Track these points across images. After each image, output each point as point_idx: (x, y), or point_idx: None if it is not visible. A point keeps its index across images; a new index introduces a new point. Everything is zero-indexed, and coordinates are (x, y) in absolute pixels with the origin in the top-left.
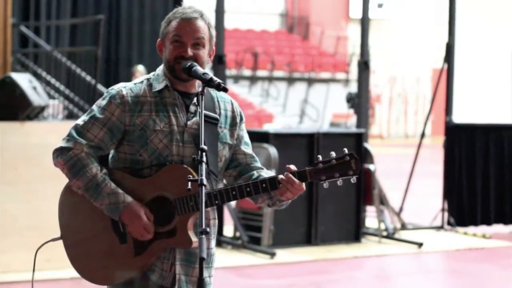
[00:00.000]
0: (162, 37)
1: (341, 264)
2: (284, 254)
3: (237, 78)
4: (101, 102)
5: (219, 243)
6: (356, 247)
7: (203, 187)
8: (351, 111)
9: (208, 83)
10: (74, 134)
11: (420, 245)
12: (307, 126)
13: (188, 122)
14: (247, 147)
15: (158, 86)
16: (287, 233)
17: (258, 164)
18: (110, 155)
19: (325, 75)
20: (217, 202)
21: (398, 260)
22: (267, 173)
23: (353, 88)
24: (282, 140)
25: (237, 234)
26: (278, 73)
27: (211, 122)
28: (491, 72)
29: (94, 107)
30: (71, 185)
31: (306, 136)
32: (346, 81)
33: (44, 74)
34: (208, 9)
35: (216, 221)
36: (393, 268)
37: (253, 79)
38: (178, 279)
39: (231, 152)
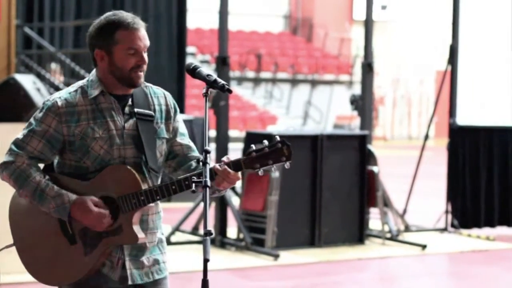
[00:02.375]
0: (105, 46)
1: (344, 266)
2: (287, 256)
3: (240, 80)
4: (38, 114)
5: (223, 245)
6: (360, 249)
7: (207, 189)
8: (355, 113)
9: (212, 84)
10: (14, 148)
11: (423, 247)
12: (311, 128)
13: (125, 124)
14: (183, 138)
15: (93, 93)
16: (290, 234)
17: (195, 154)
18: (56, 161)
19: (328, 77)
20: (158, 197)
21: (401, 262)
22: (196, 163)
23: (357, 90)
24: None
25: (241, 235)
26: (281, 75)
27: (147, 120)
28: (495, 74)
29: (32, 120)
30: (20, 195)
31: (310, 137)
32: (350, 83)
33: (48, 75)
34: (212, 11)
35: (161, 213)
36: (397, 270)
37: (256, 81)
38: (131, 274)
39: (168, 145)
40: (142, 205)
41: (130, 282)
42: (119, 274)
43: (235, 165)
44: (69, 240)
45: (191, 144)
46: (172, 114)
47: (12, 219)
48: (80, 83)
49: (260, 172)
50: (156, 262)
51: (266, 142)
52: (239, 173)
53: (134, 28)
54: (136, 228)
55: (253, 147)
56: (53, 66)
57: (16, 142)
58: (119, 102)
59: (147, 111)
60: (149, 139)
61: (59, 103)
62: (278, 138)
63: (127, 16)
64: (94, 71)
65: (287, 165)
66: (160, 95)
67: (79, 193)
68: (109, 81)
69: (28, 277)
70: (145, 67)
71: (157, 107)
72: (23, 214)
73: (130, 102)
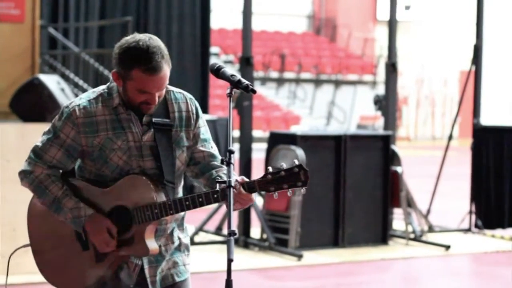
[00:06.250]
0: (121, 74)
1: (368, 266)
2: (311, 256)
3: (264, 80)
4: (58, 122)
5: (246, 245)
6: (383, 250)
7: (231, 189)
8: (379, 113)
9: (236, 85)
10: (33, 157)
11: (447, 247)
12: (334, 128)
13: (143, 136)
14: (204, 144)
15: (113, 103)
16: (314, 235)
17: (217, 162)
18: (77, 165)
19: (352, 77)
20: (171, 212)
21: (425, 263)
22: (224, 173)
23: (381, 90)
24: (309, 142)
25: (264, 236)
26: (305, 75)
27: (165, 129)
28: None
29: (51, 127)
30: (39, 202)
31: (333, 138)
32: (373, 83)
33: (72, 75)
34: (236, 11)
35: (184, 215)
36: (420, 270)
37: (280, 81)
38: (151, 282)
39: (189, 152)
40: (155, 218)
41: None
42: (135, 280)
43: (250, 186)
44: (82, 246)
45: (213, 150)
46: (193, 121)
47: (30, 221)
48: (101, 89)
49: (275, 195)
50: (176, 264)
51: (284, 165)
52: (253, 195)
53: (151, 73)
54: (149, 241)
55: (270, 169)
56: None
57: (35, 150)
58: (137, 113)
59: (165, 120)
60: (167, 150)
61: (77, 113)
62: (296, 162)
63: (152, 53)
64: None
65: (303, 190)
66: (181, 101)
67: (95, 200)
68: (123, 98)
69: (39, 278)
70: (155, 103)
71: (177, 114)
72: (40, 218)
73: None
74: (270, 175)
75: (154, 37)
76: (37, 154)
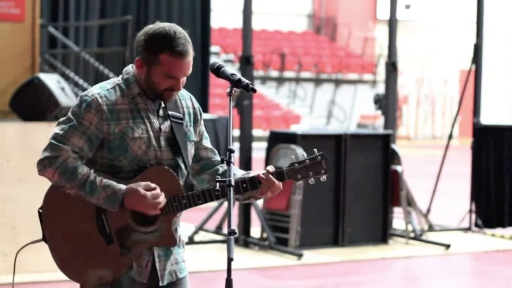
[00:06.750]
0: (147, 61)
1: (368, 265)
2: (311, 255)
3: (264, 79)
4: (78, 110)
5: (246, 244)
6: (383, 249)
7: (231, 188)
8: (379, 112)
9: (236, 84)
10: (56, 143)
11: (447, 246)
12: (334, 127)
13: (162, 127)
14: (207, 141)
15: (131, 93)
16: (314, 234)
17: (218, 158)
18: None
19: (352, 76)
20: (200, 202)
21: (425, 262)
22: (223, 167)
23: (381, 89)
24: (309, 141)
25: (264, 235)
26: (305, 74)
27: (179, 123)
28: None
29: (71, 115)
30: (65, 189)
31: (334, 137)
32: (374, 82)
33: (72, 74)
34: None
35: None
36: (421, 269)
37: (280, 80)
38: (162, 276)
39: (194, 148)
40: (183, 208)
41: (161, 284)
42: (147, 276)
43: (278, 175)
44: (106, 240)
45: (213, 148)
46: (199, 117)
47: (47, 216)
48: (116, 80)
49: (299, 183)
50: (177, 261)
51: (305, 154)
52: (281, 184)
53: (179, 56)
54: (173, 232)
55: (294, 158)
56: None
57: (57, 138)
58: (153, 104)
59: (179, 114)
60: (183, 143)
61: (99, 100)
62: (316, 151)
63: (179, 38)
64: (129, 69)
65: (323, 178)
66: (187, 98)
67: None
68: (144, 86)
69: (40, 277)
70: (179, 89)
71: (185, 110)
72: (62, 213)
73: (163, 105)
74: (296, 164)
75: (178, 26)
76: (59, 140)
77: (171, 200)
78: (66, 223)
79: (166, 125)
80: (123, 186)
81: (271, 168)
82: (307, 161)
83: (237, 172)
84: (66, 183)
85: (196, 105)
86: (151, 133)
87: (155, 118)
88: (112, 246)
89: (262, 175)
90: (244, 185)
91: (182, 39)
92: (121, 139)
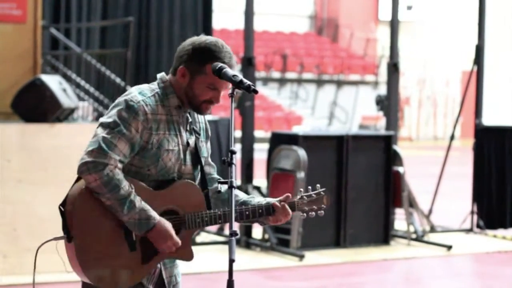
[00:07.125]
0: (191, 70)
1: (370, 266)
2: (312, 256)
3: (266, 80)
4: (126, 116)
5: (248, 245)
6: (385, 250)
7: (233, 190)
8: (380, 113)
9: (238, 85)
10: (106, 148)
11: (449, 247)
12: (336, 129)
13: (189, 141)
14: (209, 157)
15: (170, 103)
16: (316, 235)
17: (216, 175)
18: None
19: (354, 77)
20: (220, 221)
21: (427, 263)
22: (221, 186)
23: (382, 90)
24: (311, 142)
25: (266, 236)
26: (307, 75)
27: (198, 138)
28: None
29: (118, 119)
30: (101, 197)
31: (335, 138)
32: (375, 83)
33: (74, 76)
34: (238, 11)
35: None
36: (422, 271)
37: (282, 81)
38: (168, 282)
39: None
40: (204, 225)
41: None
42: (154, 282)
43: (291, 206)
44: (130, 246)
45: (213, 164)
46: (209, 132)
47: (78, 216)
48: (154, 87)
49: (302, 216)
50: (177, 265)
51: (309, 188)
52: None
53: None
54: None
55: (302, 190)
56: (83, 103)
57: (105, 142)
58: (184, 118)
59: (197, 129)
60: (202, 158)
61: (146, 108)
62: (319, 186)
63: (226, 51)
64: (165, 77)
65: (321, 213)
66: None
67: (147, 201)
68: (182, 97)
69: (41, 278)
70: (218, 102)
71: (201, 125)
72: (91, 214)
73: (190, 119)
74: (306, 197)
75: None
76: (108, 145)
77: (194, 216)
78: (96, 225)
79: (192, 140)
80: (156, 216)
81: (285, 197)
82: (313, 195)
83: (253, 199)
84: (106, 193)
85: (206, 120)
86: (180, 146)
87: (185, 132)
88: (135, 253)
89: (278, 204)
90: (260, 211)
91: (229, 52)
92: (157, 149)
